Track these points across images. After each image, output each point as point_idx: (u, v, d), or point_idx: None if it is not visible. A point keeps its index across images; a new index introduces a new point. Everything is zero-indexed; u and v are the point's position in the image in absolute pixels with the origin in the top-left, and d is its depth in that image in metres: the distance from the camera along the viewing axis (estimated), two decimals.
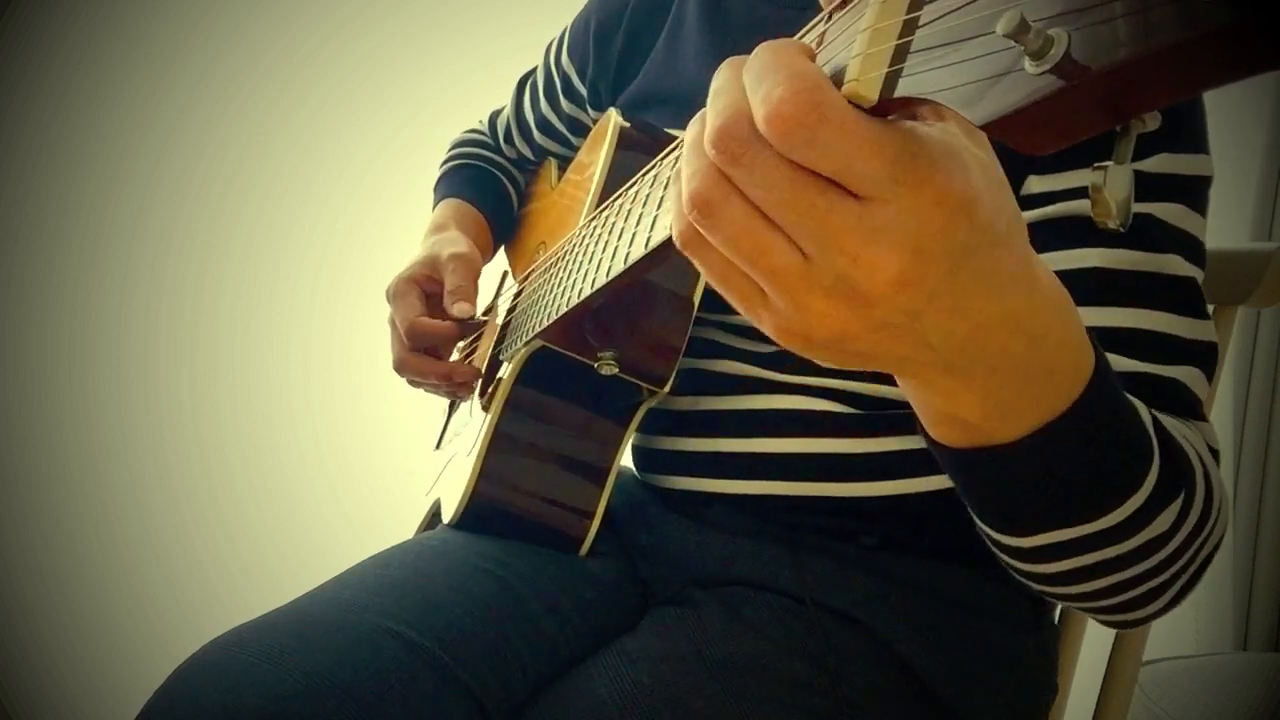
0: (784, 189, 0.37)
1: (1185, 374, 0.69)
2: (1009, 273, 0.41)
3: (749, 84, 0.37)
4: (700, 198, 0.39)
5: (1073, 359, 0.49)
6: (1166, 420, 0.62)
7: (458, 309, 1.00)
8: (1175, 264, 0.70)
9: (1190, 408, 0.69)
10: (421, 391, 1.10)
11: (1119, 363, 0.68)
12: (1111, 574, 0.57)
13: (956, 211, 0.37)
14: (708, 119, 0.38)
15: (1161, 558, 0.58)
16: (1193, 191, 0.72)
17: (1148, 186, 0.70)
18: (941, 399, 0.49)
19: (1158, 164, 0.70)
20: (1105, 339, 0.69)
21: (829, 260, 0.38)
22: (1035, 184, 0.73)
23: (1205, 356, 0.71)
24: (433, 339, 1.03)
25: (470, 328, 1.03)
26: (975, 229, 0.38)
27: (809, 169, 0.36)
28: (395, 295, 1.04)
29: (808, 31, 0.40)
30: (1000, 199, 0.39)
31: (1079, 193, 0.72)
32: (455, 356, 1.17)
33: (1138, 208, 0.69)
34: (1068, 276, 0.70)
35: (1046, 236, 0.73)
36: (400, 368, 1.05)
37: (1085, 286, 0.70)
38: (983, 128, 0.28)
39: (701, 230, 0.41)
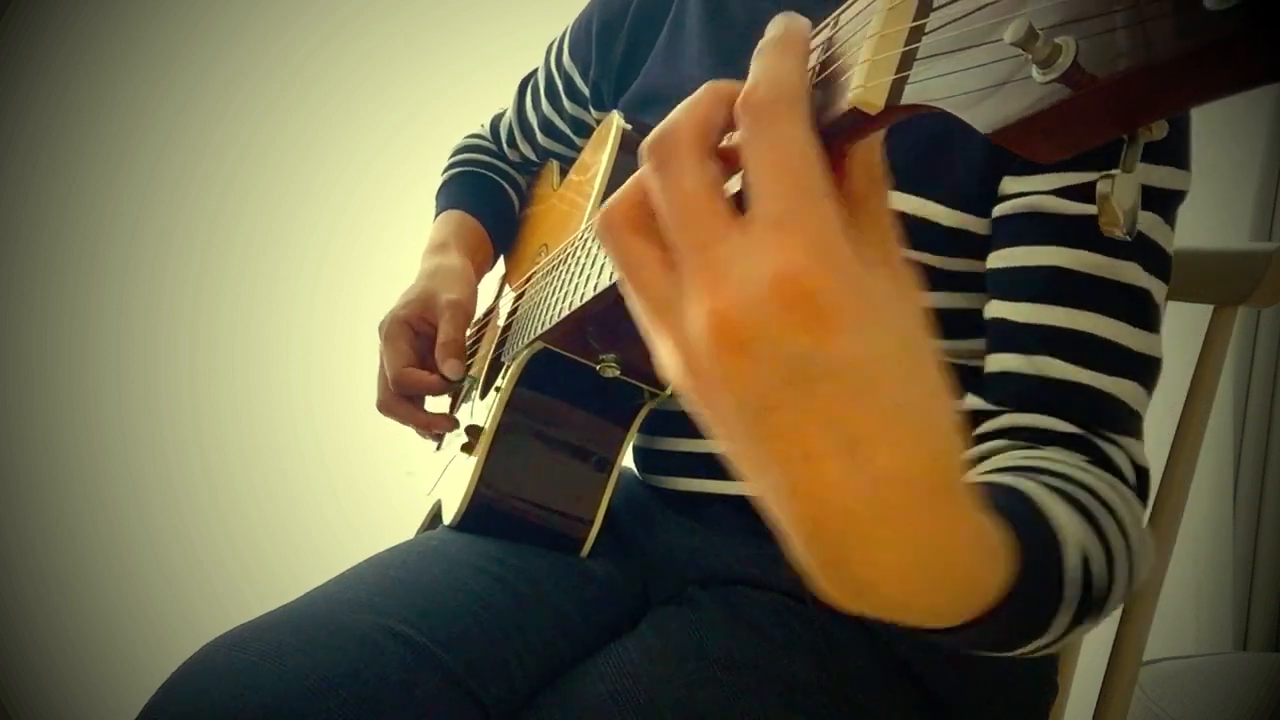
0: (692, 194, 0.36)
1: (1124, 388, 0.69)
2: (874, 454, 0.35)
3: (759, 48, 0.37)
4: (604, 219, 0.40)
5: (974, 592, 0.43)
6: (1091, 502, 0.59)
7: (448, 367, 1.00)
8: (1133, 273, 0.70)
9: (1122, 424, 0.69)
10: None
11: (1061, 369, 0.69)
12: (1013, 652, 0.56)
13: (796, 304, 0.33)
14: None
15: (1070, 638, 0.57)
16: (1164, 203, 0.72)
17: None
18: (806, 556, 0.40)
19: None
20: (1052, 339, 0.70)
21: (693, 279, 0.36)
22: (1009, 185, 0.74)
23: (1148, 371, 0.71)
24: (418, 390, 1.04)
25: (456, 385, 1.04)
26: (825, 349, 0.33)
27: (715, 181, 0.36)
28: (386, 336, 1.05)
29: (813, 37, 0.40)
30: (886, 359, 0.34)
31: (1050, 192, 0.72)
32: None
33: None
34: (1026, 272, 0.71)
35: (1011, 230, 0.74)
36: (383, 409, 1.06)
37: (1042, 284, 0.71)
38: (990, 135, 0.28)
39: (605, 244, 0.40)
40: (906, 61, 0.31)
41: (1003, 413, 0.70)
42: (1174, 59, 0.23)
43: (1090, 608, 0.55)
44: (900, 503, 0.35)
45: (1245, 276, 0.89)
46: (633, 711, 0.73)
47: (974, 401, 0.73)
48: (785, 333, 0.33)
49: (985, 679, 0.83)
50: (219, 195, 1.96)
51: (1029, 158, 0.29)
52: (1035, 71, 0.26)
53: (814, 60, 0.39)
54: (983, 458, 0.69)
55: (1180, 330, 1.31)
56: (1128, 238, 0.29)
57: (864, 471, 0.35)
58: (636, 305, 0.40)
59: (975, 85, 0.28)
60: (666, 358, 0.38)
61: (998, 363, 0.72)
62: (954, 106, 0.29)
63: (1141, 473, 0.69)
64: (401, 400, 1.05)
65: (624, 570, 0.97)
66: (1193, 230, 1.51)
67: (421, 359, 1.04)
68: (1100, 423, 0.68)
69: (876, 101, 0.32)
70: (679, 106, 0.39)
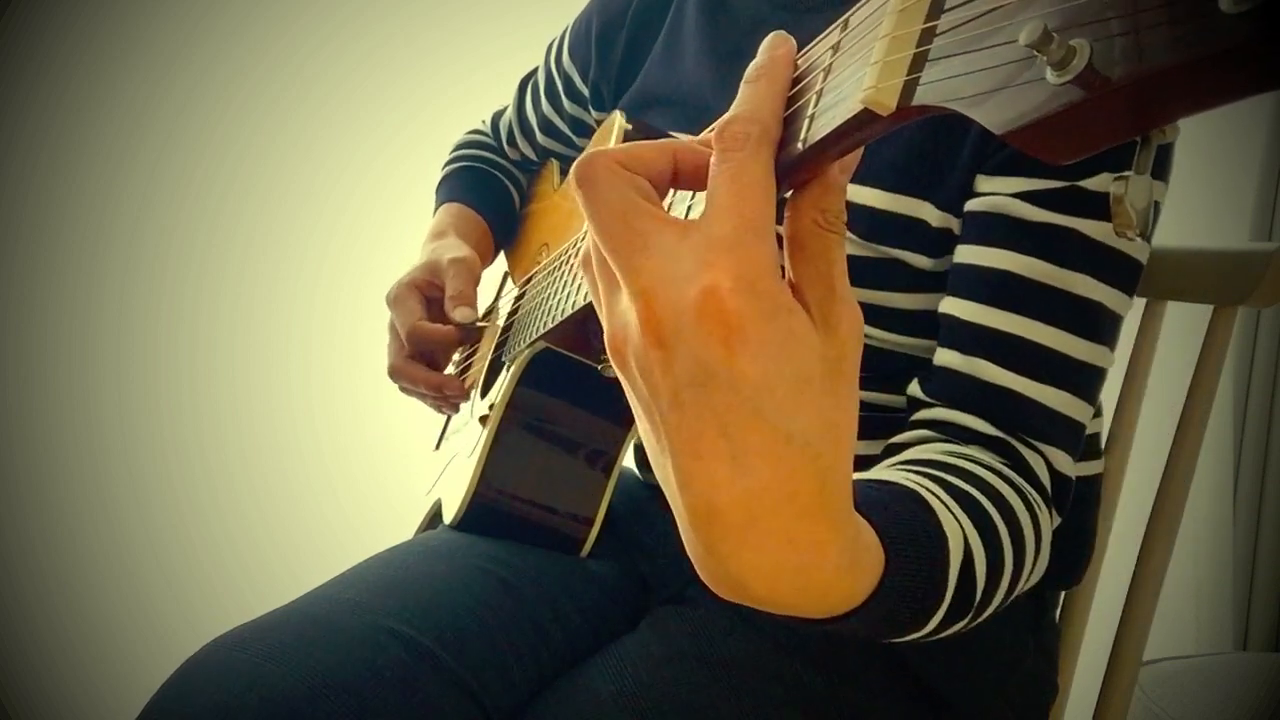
0: (618, 207, 0.39)
1: (1056, 397, 0.71)
2: (755, 468, 0.38)
3: (748, 75, 0.41)
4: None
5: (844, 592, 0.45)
6: (991, 509, 0.61)
7: (459, 314, 1.00)
8: (1082, 284, 0.71)
9: (1047, 431, 0.71)
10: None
11: (994, 373, 0.71)
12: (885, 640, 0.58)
13: (715, 318, 0.36)
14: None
15: (949, 632, 0.59)
16: None
17: (1084, 202, 0.71)
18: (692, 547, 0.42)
19: (1098, 183, 0.71)
20: (990, 343, 0.72)
21: (630, 280, 0.39)
22: (981, 183, 0.75)
23: (1085, 380, 0.73)
24: (433, 343, 1.03)
25: (470, 334, 1.03)
26: (728, 365, 0.37)
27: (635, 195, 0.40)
28: (395, 300, 1.04)
29: (824, 39, 0.40)
30: (783, 388, 0.37)
31: (1013, 194, 0.73)
32: (452, 364, 1.17)
33: (1066, 221, 0.71)
34: (978, 272, 0.73)
35: (973, 228, 0.75)
36: (394, 374, 1.05)
37: (991, 287, 0.72)
38: (1002, 136, 0.28)
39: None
40: (918, 63, 0.31)
41: (936, 405, 0.73)
42: (1189, 63, 0.23)
43: (965, 610, 0.58)
44: (771, 516, 0.39)
45: (1245, 276, 0.89)
46: (633, 712, 0.74)
47: (915, 389, 0.75)
48: (699, 340, 0.37)
49: (986, 679, 0.83)
50: (219, 195, 1.96)
51: (1042, 159, 0.29)
52: (1049, 73, 0.26)
53: (812, 68, 0.40)
54: (910, 444, 0.72)
55: (1180, 330, 1.31)
56: (1141, 238, 0.29)
57: (743, 481, 0.38)
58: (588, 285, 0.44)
59: (987, 86, 0.28)
60: (606, 336, 0.42)
61: (940, 357, 0.74)
62: (965, 107, 0.29)
63: (1060, 480, 0.71)
64: (413, 361, 1.04)
65: (624, 570, 0.97)
66: (1193, 230, 1.51)
67: (433, 320, 1.03)
68: (1023, 428, 0.70)
69: (889, 102, 0.32)
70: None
